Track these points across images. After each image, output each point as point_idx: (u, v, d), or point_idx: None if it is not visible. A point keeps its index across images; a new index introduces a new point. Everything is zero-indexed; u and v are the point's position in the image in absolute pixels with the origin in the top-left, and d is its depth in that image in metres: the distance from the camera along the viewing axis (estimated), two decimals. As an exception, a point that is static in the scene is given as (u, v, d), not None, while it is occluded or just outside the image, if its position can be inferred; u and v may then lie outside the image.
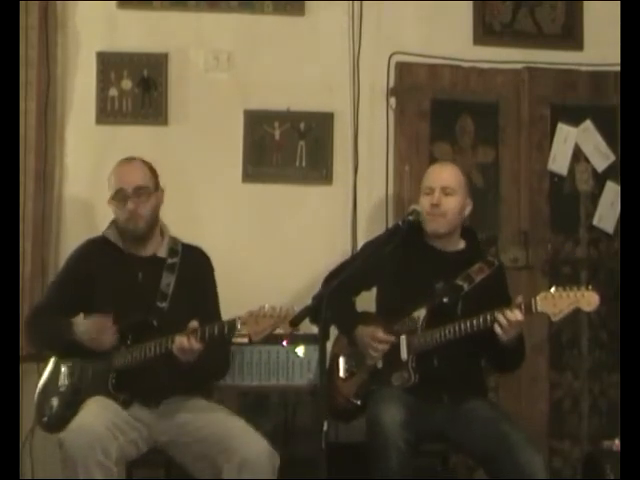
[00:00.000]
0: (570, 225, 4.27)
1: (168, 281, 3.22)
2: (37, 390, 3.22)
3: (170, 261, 3.26)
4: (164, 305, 3.18)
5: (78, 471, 2.80)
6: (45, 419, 3.15)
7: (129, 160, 3.30)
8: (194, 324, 3.01)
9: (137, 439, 3.04)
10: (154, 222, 3.26)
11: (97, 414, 2.93)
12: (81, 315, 3.20)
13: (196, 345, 2.97)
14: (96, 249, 3.29)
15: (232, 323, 2.96)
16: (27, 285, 3.90)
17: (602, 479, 3.31)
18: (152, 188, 3.24)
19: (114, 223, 3.29)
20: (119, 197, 3.20)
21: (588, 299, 2.95)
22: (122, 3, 4.09)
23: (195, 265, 3.31)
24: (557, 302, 2.97)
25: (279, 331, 3.12)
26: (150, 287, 3.20)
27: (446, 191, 3.29)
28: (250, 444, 2.95)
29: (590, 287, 2.98)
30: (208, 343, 2.98)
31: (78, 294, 3.24)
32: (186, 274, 3.25)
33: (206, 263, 3.36)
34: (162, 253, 3.28)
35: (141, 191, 3.19)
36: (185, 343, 2.97)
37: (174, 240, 3.33)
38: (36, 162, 3.95)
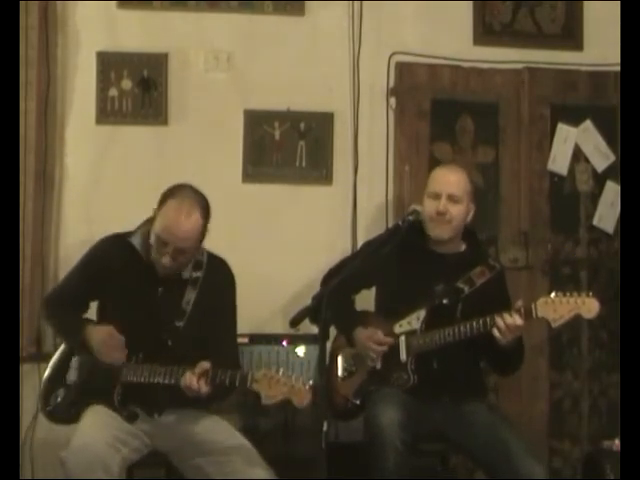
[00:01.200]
0: (570, 225, 4.27)
1: (189, 298, 3.11)
2: (45, 375, 3.20)
3: (194, 275, 3.14)
4: (181, 324, 3.10)
5: None
6: (49, 408, 3.13)
7: (186, 209, 2.99)
8: (205, 365, 2.94)
9: (140, 446, 3.04)
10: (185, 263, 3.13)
11: (97, 430, 2.91)
12: (92, 324, 3.11)
13: (204, 388, 2.93)
14: (119, 250, 3.16)
15: (244, 378, 2.91)
16: (27, 285, 3.89)
17: (602, 479, 3.31)
18: (195, 247, 3.07)
19: (144, 228, 3.13)
20: (159, 243, 3.01)
21: (589, 306, 2.94)
22: (122, 3, 4.09)
23: (218, 280, 3.19)
24: (557, 308, 2.96)
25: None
26: (169, 304, 3.11)
27: (453, 199, 3.25)
28: (250, 470, 2.93)
29: (590, 294, 2.97)
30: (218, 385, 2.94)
31: (93, 289, 3.19)
32: (208, 290, 3.14)
33: (229, 279, 3.24)
34: (186, 272, 3.13)
35: (180, 252, 3.02)
36: (194, 384, 2.92)
37: (200, 251, 3.19)
38: (36, 162, 3.94)
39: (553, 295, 2.98)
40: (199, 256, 3.18)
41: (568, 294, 2.97)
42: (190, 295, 3.12)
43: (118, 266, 3.14)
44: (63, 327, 3.22)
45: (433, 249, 3.34)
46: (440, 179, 3.34)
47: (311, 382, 2.84)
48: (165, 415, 3.09)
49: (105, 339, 3.03)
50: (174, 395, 3.03)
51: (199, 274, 3.15)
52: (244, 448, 3.03)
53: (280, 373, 2.87)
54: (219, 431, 3.08)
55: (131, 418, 3.03)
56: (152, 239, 3.05)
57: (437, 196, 3.27)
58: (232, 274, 3.26)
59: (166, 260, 3.02)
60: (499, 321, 3.00)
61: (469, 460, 3.48)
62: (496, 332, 3.01)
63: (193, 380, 2.92)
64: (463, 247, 3.39)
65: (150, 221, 3.10)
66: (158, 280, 3.11)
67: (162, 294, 3.12)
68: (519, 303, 3.04)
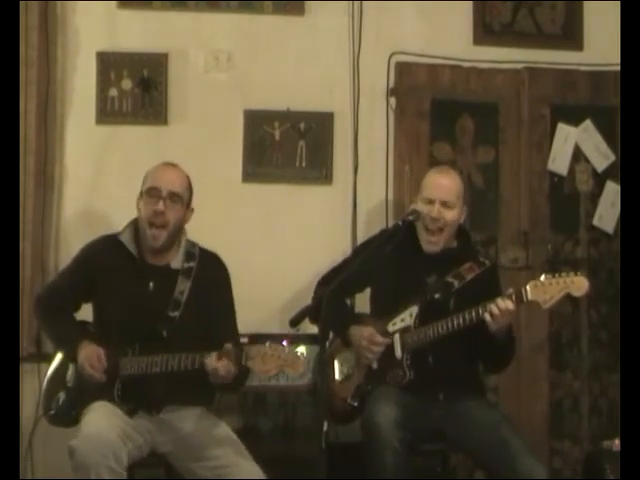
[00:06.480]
0: (570, 225, 4.26)
1: (183, 288, 3.13)
2: (45, 379, 3.21)
3: (186, 265, 3.17)
4: (176, 314, 3.10)
5: (91, 478, 2.79)
6: (52, 412, 3.14)
7: (173, 165, 3.23)
8: (229, 347, 2.95)
9: (142, 444, 3.04)
10: (175, 236, 3.16)
11: (108, 421, 2.92)
12: (85, 340, 3.09)
13: (230, 367, 2.93)
14: (109, 249, 3.20)
15: (239, 356, 2.92)
16: (27, 285, 3.89)
17: (602, 479, 3.31)
18: (185, 200, 3.16)
19: (132, 225, 3.21)
20: (151, 194, 3.10)
21: (578, 284, 2.96)
22: (122, 3, 4.09)
23: (212, 272, 3.22)
24: (547, 289, 2.98)
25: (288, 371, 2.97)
26: (161, 297, 3.12)
27: (446, 205, 3.27)
28: (245, 474, 2.94)
29: (579, 272, 2.99)
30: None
31: (86, 288, 3.20)
32: (202, 281, 3.16)
33: (223, 271, 3.27)
34: (177, 263, 3.17)
35: (175, 197, 3.11)
36: (220, 364, 2.92)
37: (191, 243, 3.24)
38: (36, 162, 3.95)
39: (543, 277, 3.00)
40: (190, 248, 3.21)
41: (557, 275, 2.99)
42: (183, 285, 3.14)
43: (109, 264, 3.17)
44: (57, 336, 3.21)
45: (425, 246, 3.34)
46: (433, 185, 3.34)
47: (303, 352, 2.87)
48: (164, 413, 3.09)
49: (91, 359, 3.02)
50: (173, 392, 3.04)
51: (192, 264, 3.18)
52: (224, 426, 3.09)
53: (273, 347, 2.88)
54: (205, 415, 3.10)
55: (131, 412, 3.03)
56: (140, 203, 3.14)
57: (430, 202, 3.28)
58: (225, 266, 3.29)
59: (161, 206, 3.07)
60: (492, 306, 3.02)
61: (468, 459, 3.48)
62: (488, 317, 3.02)
63: (216, 362, 2.92)
64: (455, 244, 3.40)
65: (137, 220, 3.19)
66: (149, 274, 3.14)
67: (154, 287, 3.13)
68: (510, 290, 3.06)
